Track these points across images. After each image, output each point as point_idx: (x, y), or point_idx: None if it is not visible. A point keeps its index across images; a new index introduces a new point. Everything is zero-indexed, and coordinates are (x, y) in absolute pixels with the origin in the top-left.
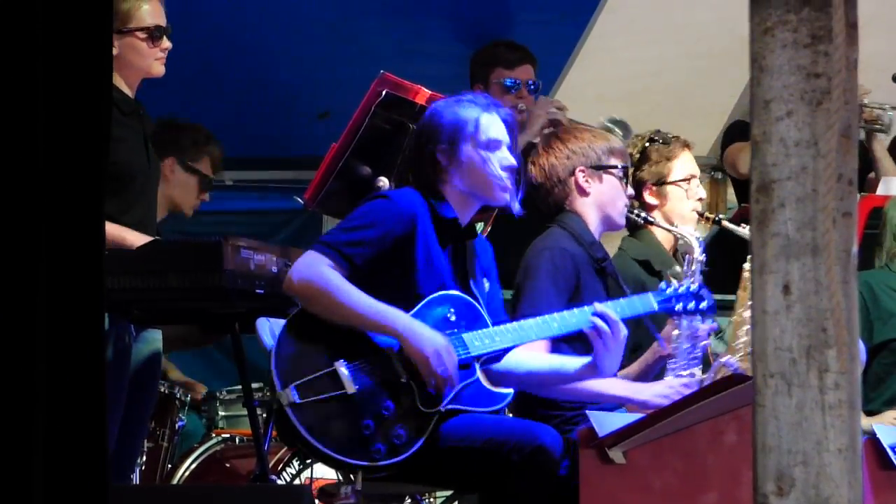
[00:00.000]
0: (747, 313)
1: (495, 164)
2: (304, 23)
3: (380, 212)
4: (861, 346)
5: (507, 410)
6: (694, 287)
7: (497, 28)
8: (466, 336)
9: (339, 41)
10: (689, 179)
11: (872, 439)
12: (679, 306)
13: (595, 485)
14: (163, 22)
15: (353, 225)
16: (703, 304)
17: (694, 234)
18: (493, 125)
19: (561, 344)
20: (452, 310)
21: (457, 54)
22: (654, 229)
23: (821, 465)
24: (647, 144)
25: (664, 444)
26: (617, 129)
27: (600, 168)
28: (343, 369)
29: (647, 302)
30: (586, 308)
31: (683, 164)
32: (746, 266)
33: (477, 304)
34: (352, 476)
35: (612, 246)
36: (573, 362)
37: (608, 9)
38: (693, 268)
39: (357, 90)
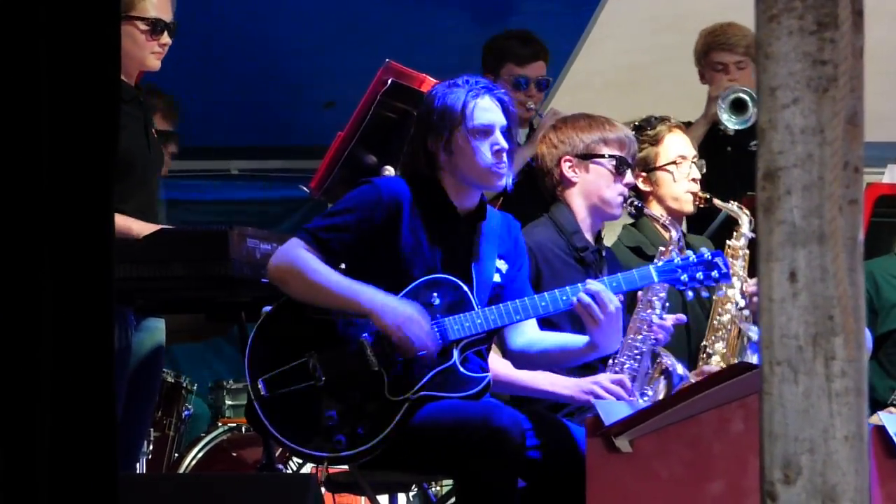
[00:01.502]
0: (731, 291)
1: (486, 152)
2: (310, 12)
3: (360, 198)
4: (867, 334)
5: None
6: (707, 255)
7: (504, 16)
8: (447, 321)
9: (345, 30)
10: (676, 162)
11: (879, 427)
12: (684, 277)
13: (601, 473)
14: (167, 17)
15: (334, 210)
16: (715, 274)
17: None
18: (484, 110)
19: (565, 326)
20: (436, 294)
21: (463, 43)
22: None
23: (827, 453)
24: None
25: (671, 433)
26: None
27: (587, 157)
28: (312, 361)
29: (647, 274)
30: (579, 285)
31: (671, 147)
32: (729, 242)
33: (466, 288)
34: (318, 466)
35: (613, 234)
36: (578, 340)
37: None
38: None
39: (362, 79)
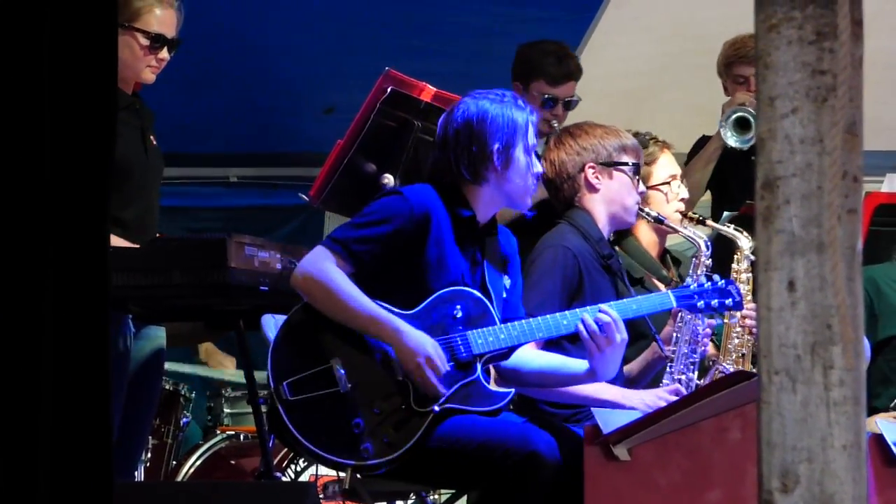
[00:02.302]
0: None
1: (531, 172)
2: (308, 17)
3: (391, 208)
4: (865, 343)
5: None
6: (721, 283)
7: (504, 25)
8: (471, 334)
9: (344, 36)
10: (668, 182)
11: (877, 436)
12: (701, 304)
13: (600, 481)
14: (170, 33)
15: (364, 221)
16: (729, 301)
17: (701, 237)
18: (533, 131)
19: (566, 345)
20: (459, 307)
21: (462, 51)
22: (641, 236)
23: (825, 462)
24: None
25: (669, 441)
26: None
27: (611, 165)
28: (338, 368)
29: (665, 299)
30: (597, 307)
31: (663, 167)
32: (734, 266)
33: (487, 302)
34: (340, 473)
35: None
36: (575, 364)
37: (613, 5)
38: (699, 271)
39: (362, 85)
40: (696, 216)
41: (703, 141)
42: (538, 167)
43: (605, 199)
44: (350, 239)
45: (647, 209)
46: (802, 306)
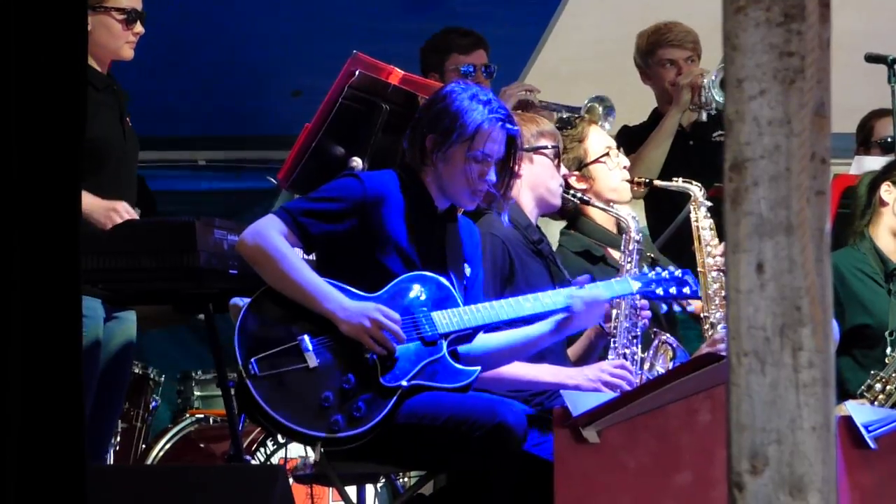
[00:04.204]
0: (710, 260)
1: (474, 176)
2: (276, 0)
3: (344, 188)
4: (834, 325)
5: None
6: (678, 273)
7: (471, 5)
8: (435, 315)
9: (312, 19)
10: (607, 153)
11: (846, 418)
12: (660, 290)
13: (569, 464)
14: (139, 6)
15: (316, 196)
16: (686, 290)
17: (630, 214)
18: (491, 140)
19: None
20: (423, 290)
21: (429, 33)
22: (592, 213)
23: (795, 444)
24: None
25: (638, 424)
26: (598, 107)
27: (531, 150)
28: (306, 343)
29: (626, 285)
30: (562, 290)
31: (596, 141)
32: (692, 216)
33: (450, 285)
34: (310, 455)
35: (552, 240)
36: (526, 332)
37: None
38: (630, 247)
39: (330, 68)
40: (643, 179)
41: (624, 131)
42: (490, 176)
43: (529, 185)
44: (298, 210)
45: (571, 191)
46: (771, 288)
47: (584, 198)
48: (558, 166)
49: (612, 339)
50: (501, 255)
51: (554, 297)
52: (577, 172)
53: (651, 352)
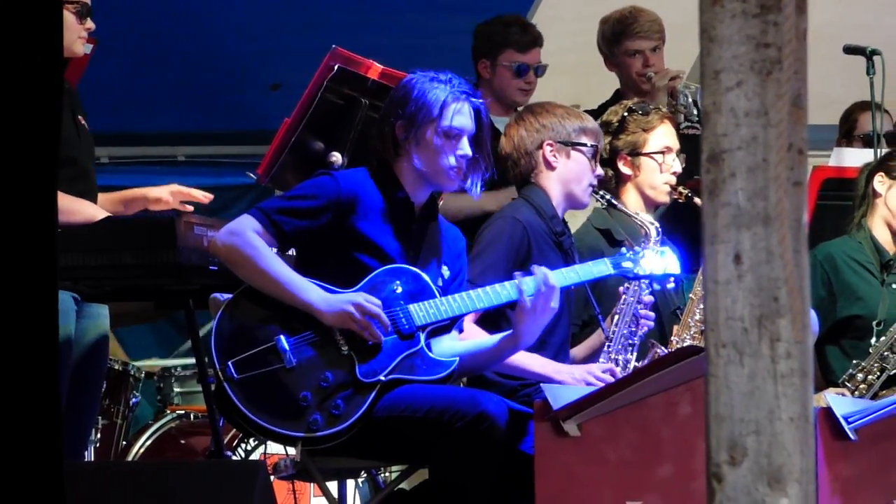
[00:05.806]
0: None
1: (449, 155)
2: None
3: (318, 187)
4: (813, 316)
5: (461, 382)
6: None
7: (450, 1)
8: (412, 307)
9: (291, 13)
10: (664, 152)
11: (826, 409)
12: (639, 269)
13: (550, 457)
14: (89, 0)
15: (291, 195)
16: (667, 269)
17: (653, 224)
18: (459, 114)
19: (509, 315)
20: (399, 283)
21: (408, 25)
22: (627, 202)
23: (773, 434)
24: (625, 114)
25: (618, 417)
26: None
27: (569, 144)
28: (283, 343)
29: (602, 266)
30: (541, 270)
31: (660, 137)
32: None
33: (426, 277)
34: (290, 452)
35: (583, 215)
36: (490, 340)
37: None
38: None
39: (309, 61)
40: (685, 192)
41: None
42: (465, 150)
43: (561, 178)
44: (273, 209)
45: (601, 192)
46: (749, 279)
47: (612, 201)
48: (595, 166)
49: (607, 343)
50: (521, 238)
51: (528, 284)
52: (628, 157)
53: (645, 362)
